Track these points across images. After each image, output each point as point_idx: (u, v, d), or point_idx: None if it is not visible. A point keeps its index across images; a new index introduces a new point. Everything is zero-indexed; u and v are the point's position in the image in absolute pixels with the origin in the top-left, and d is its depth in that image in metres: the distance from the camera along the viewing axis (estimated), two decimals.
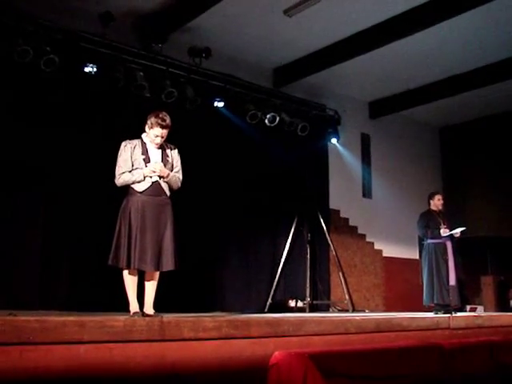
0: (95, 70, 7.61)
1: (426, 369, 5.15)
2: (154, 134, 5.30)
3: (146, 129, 5.36)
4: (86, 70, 7.58)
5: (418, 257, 12.01)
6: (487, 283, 12.13)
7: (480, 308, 11.58)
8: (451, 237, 8.56)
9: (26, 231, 7.23)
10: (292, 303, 9.58)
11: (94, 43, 7.71)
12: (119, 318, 4.10)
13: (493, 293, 11.96)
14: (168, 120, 5.32)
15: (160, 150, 5.42)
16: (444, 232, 8.50)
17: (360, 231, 11.58)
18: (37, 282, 7.17)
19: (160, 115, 5.31)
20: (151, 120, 5.31)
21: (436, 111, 12.41)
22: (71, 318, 3.88)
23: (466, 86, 10.90)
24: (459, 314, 7.92)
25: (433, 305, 8.58)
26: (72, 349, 3.76)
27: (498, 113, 12.43)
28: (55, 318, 3.84)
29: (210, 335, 4.42)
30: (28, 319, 3.68)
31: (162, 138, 5.34)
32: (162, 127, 5.28)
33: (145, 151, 5.34)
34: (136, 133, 5.49)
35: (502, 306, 11.76)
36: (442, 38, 9.29)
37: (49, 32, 7.33)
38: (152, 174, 5.23)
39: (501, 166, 12.57)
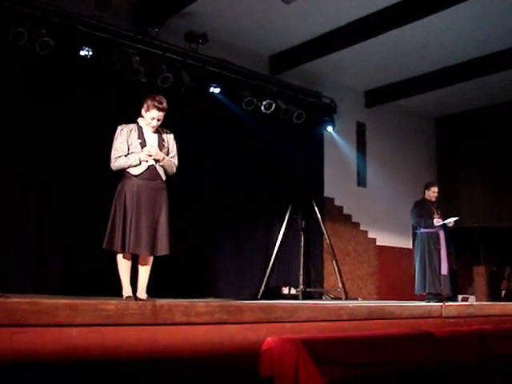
0: (91, 53, 7.55)
1: (417, 356, 5.18)
2: (150, 117, 5.30)
3: (143, 112, 5.35)
4: (82, 53, 7.51)
5: (411, 246, 12.03)
6: (479, 273, 12.19)
7: (472, 298, 11.63)
8: (444, 226, 8.60)
9: (19, 216, 7.19)
10: (285, 290, 9.60)
11: (90, 27, 7.63)
12: (111, 302, 4.10)
13: (485, 283, 12.02)
14: (165, 103, 5.33)
15: (156, 135, 5.43)
16: (437, 221, 8.55)
17: (354, 220, 11.60)
18: (30, 266, 7.14)
19: (157, 98, 5.32)
20: (148, 103, 5.31)
21: (432, 101, 12.40)
22: (63, 301, 3.87)
23: (462, 76, 10.89)
24: (451, 302, 7.96)
25: (424, 294, 8.63)
26: (64, 331, 3.75)
27: (494, 104, 12.44)
28: (47, 301, 3.83)
29: (202, 320, 4.42)
30: (20, 301, 3.67)
31: (159, 120, 5.34)
32: (159, 109, 5.28)
33: (141, 135, 5.34)
34: (132, 117, 5.48)
35: (493, 296, 11.83)
36: (438, 28, 9.27)
37: (44, 14, 7.25)
38: (148, 158, 5.23)
39: (495, 156, 12.58)
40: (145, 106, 5.34)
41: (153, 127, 5.36)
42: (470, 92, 11.76)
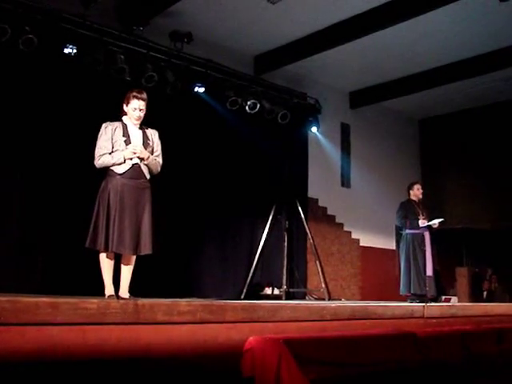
0: (75, 51, 7.50)
1: (399, 356, 5.19)
2: (132, 108, 5.29)
3: (124, 107, 5.34)
4: (66, 51, 7.47)
5: (394, 247, 12.11)
6: (462, 274, 12.30)
7: (454, 299, 11.71)
8: (429, 227, 8.63)
9: (1, 214, 7.13)
10: (268, 291, 9.60)
11: (74, 24, 7.58)
12: (93, 301, 4.07)
13: (467, 284, 12.13)
14: (144, 94, 5.36)
15: (141, 133, 5.40)
16: (422, 223, 8.58)
17: (338, 220, 11.63)
18: (12, 265, 7.09)
19: (135, 89, 5.39)
20: (127, 96, 5.34)
21: (416, 103, 12.48)
22: (44, 299, 3.84)
23: (446, 78, 10.98)
24: (433, 303, 8.00)
25: (409, 294, 8.65)
26: (44, 330, 3.72)
27: (477, 106, 12.55)
28: (28, 299, 3.79)
29: (184, 319, 4.40)
30: (0, 300, 3.63)
31: (141, 110, 5.32)
32: (138, 99, 5.29)
33: (126, 133, 5.31)
34: (116, 115, 5.44)
35: (475, 297, 11.93)
36: (423, 30, 9.33)
37: (28, 11, 7.19)
38: (132, 156, 5.20)
39: (479, 159, 12.68)
40: (125, 100, 5.34)
41: (137, 119, 5.33)
42: (453, 94, 11.85)
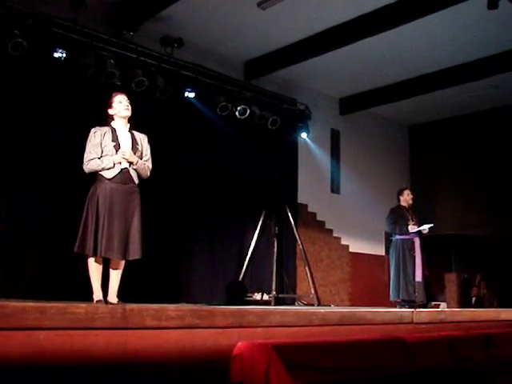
0: (65, 55, 7.49)
1: (388, 362, 5.18)
2: (118, 102, 5.36)
3: (110, 110, 5.39)
4: (56, 55, 7.45)
5: (384, 253, 12.13)
6: (451, 280, 12.35)
7: (443, 305, 11.74)
8: (419, 233, 8.65)
9: None
10: (258, 296, 9.58)
11: (64, 28, 7.57)
12: (81, 305, 4.04)
13: (456, 290, 12.18)
14: (124, 92, 5.50)
15: (130, 138, 5.41)
16: (412, 228, 8.59)
17: (327, 226, 11.64)
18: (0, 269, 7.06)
19: (113, 91, 5.51)
20: (110, 98, 5.44)
21: (406, 109, 12.53)
22: (31, 304, 3.81)
23: (436, 85, 11.03)
24: (422, 309, 8.01)
25: (398, 300, 8.66)
26: (32, 335, 3.68)
27: (466, 113, 12.62)
28: (14, 304, 3.76)
29: (173, 324, 4.37)
30: None
31: (126, 100, 5.36)
32: (120, 93, 5.45)
33: (115, 138, 5.33)
34: (105, 120, 5.44)
35: (464, 303, 11.97)
36: (413, 37, 9.37)
37: (18, 15, 7.17)
38: (122, 160, 5.20)
39: (467, 166, 12.74)
40: (109, 103, 5.41)
41: (126, 109, 5.34)
42: (444, 101, 11.91)
